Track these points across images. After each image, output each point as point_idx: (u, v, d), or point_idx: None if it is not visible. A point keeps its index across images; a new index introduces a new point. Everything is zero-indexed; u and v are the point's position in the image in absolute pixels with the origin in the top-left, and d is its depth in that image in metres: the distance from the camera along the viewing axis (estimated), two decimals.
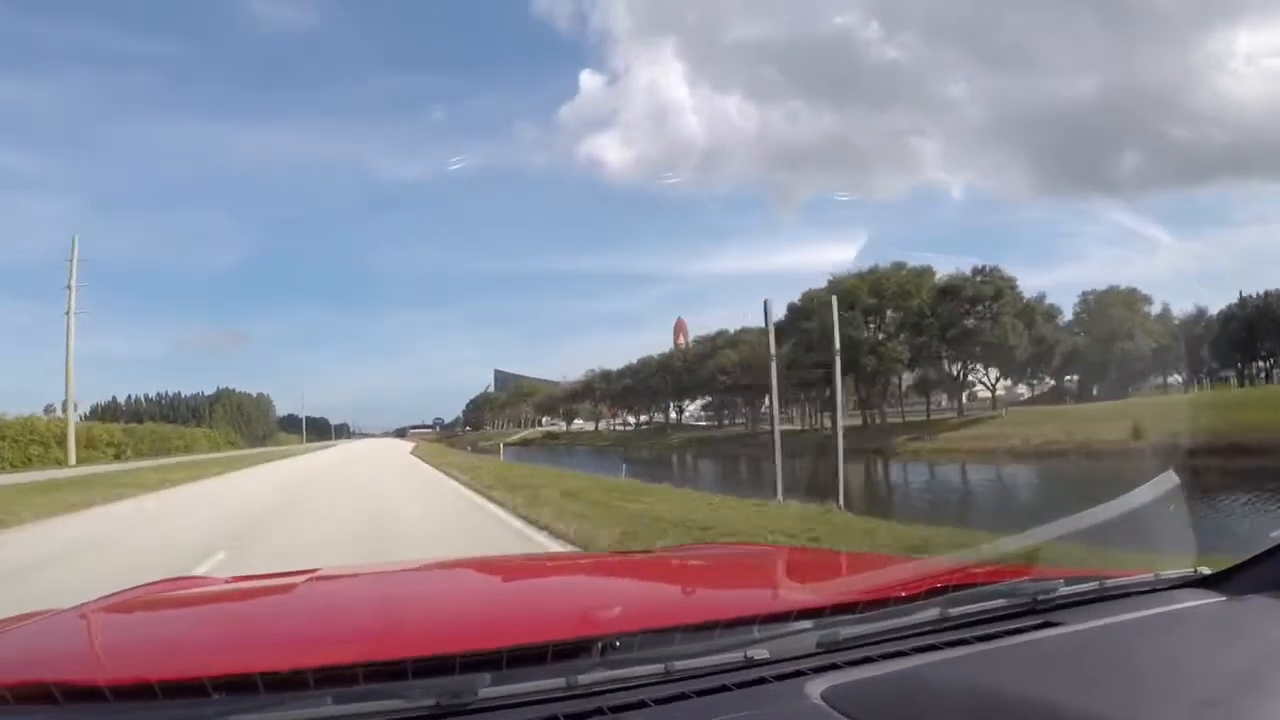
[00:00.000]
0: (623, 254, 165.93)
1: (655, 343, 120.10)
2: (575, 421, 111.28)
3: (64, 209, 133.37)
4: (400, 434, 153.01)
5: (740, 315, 69.70)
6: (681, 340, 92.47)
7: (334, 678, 1.05)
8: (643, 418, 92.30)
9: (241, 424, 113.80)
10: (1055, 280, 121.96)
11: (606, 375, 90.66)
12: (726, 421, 78.55)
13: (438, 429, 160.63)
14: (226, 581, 2.18)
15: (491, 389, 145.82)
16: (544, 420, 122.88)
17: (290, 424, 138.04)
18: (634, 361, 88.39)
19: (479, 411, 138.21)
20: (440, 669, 1.08)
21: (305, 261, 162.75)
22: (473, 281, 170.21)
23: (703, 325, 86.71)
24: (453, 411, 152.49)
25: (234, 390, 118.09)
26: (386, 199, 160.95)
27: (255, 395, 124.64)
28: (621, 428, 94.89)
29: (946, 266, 50.38)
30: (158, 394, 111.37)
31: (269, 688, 1.02)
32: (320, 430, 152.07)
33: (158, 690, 0.99)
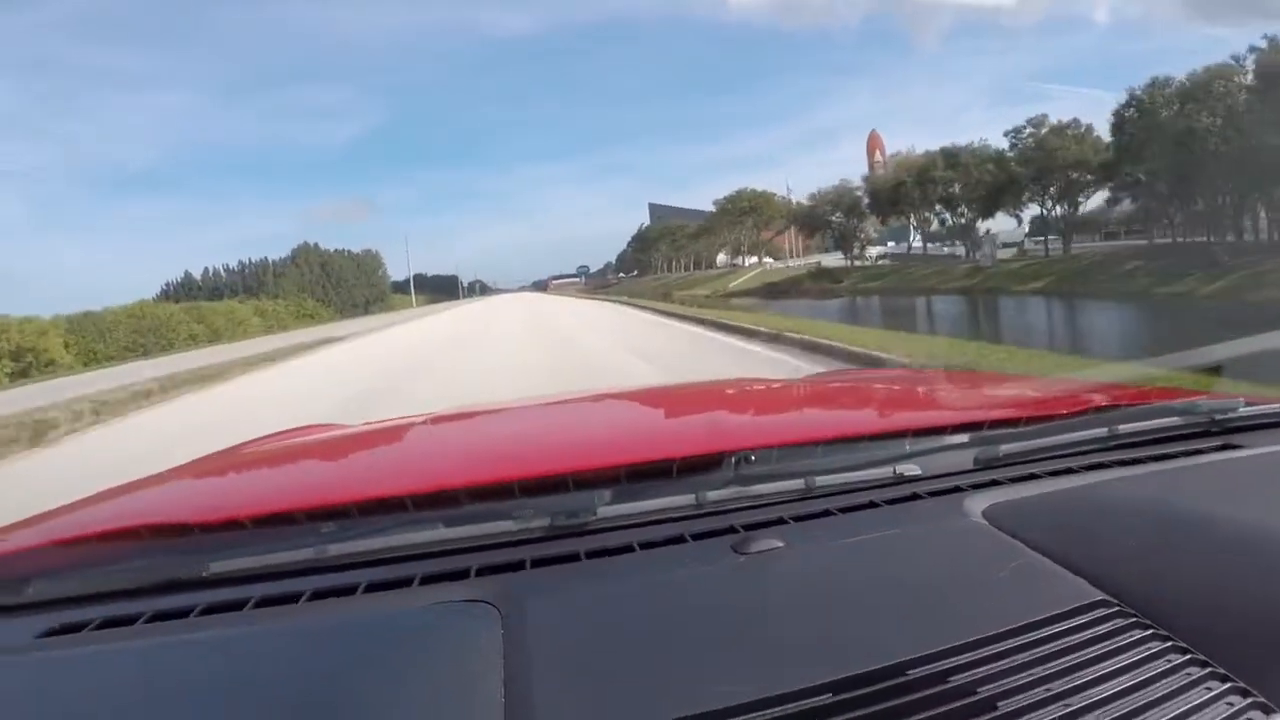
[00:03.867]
0: (749, 95, 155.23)
1: (786, 185, 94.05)
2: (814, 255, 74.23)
3: (183, 100, 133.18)
4: (540, 287, 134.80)
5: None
6: (879, 157, 73.31)
7: (433, 502, 0.99)
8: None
9: (329, 288, 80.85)
10: None
11: (950, 157, 47.21)
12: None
13: (583, 279, 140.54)
14: (357, 426, 1.96)
15: (647, 224, 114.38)
16: (717, 257, 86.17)
17: (417, 285, 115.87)
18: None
19: (646, 251, 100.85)
20: (550, 489, 1.00)
21: (427, 125, 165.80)
22: (596, 131, 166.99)
23: (837, 161, 56.69)
24: (598, 259, 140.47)
25: (317, 247, 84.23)
26: (503, 56, 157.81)
27: (355, 253, 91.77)
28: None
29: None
30: (240, 263, 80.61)
31: (364, 515, 0.98)
32: (446, 289, 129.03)
33: (247, 524, 0.96)
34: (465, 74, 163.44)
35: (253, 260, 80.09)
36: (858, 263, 60.24)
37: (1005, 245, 57.69)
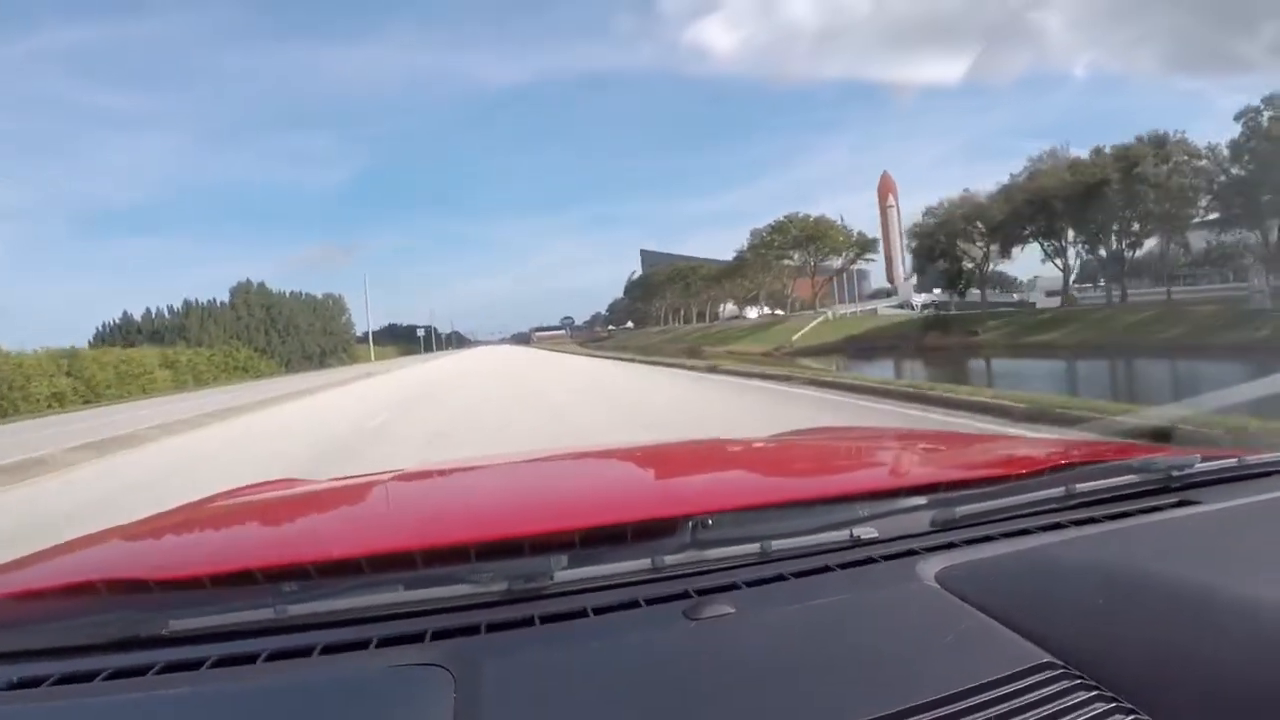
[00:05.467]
0: (734, 149, 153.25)
1: (840, 215, 78.64)
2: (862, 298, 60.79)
3: (174, 143, 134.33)
4: (521, 339, 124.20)
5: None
6: (891, 200, 73.08)
7: (391, 564, 0.99)
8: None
9: (273, 335, 67.23)
10: None
11: (1159, 146, 33.75)
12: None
13: (568, 331, 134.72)
14: (323, 482, 2.01)
15: (638, 274, 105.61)
16: (719, 307, 75.50)
17: (390, 335, 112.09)
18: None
19: (648, 299, 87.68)
20: (507, 552, 1.01)
21: (412, 174, 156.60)
22: (582, 183, 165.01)
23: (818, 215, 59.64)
24: (582, 311, 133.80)
25: (262, 286, 70.63)
26: (491, 107, 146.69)
27: (314, 297, 78.41)
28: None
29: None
30: (185, 302, 66.77)
31: (322, 576, 0.98)
32: (421, 341, 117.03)
33: (206, 582, 0.96)
34: (453, 123, 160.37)
35: (199, 301, 66.21)
36: (928, 308, 47.37)
37: (1049, 294, 45.65)
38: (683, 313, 79.62)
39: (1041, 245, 41.97)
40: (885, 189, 77.96)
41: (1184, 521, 1.16)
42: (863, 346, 40.85)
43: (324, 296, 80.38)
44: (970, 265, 45.24)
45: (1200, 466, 1.28)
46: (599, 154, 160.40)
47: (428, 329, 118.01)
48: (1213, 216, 34.84)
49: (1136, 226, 35.88)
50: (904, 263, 76.45)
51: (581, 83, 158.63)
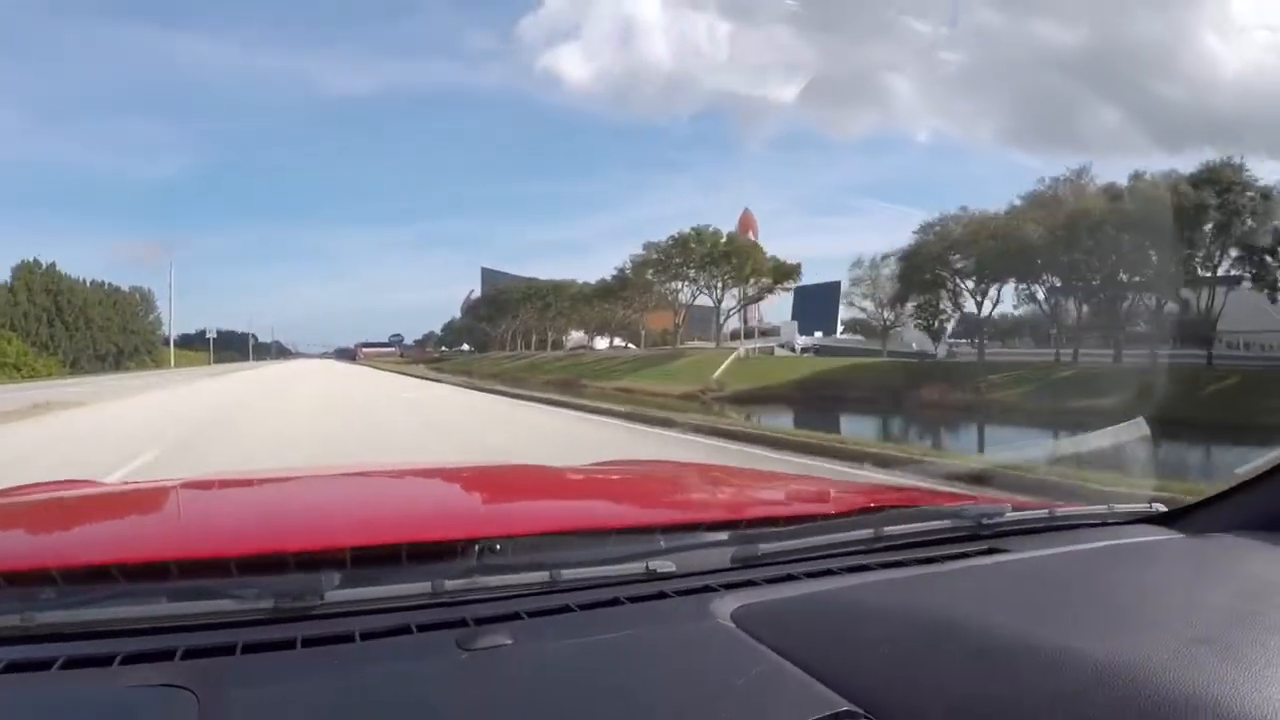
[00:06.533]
0: (575, 180, 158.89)
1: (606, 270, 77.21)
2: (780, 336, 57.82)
3: None
4: (347, 355, 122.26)
5: None
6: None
7: (145, 574, 0.93)
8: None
9: (60, 328, 57.70)
10: None
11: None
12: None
13: (397, 349, 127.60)
14: (107, 486, 1.97)
15: (477, 294, 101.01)
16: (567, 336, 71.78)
17: (204, 340, 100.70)
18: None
19: (494, 320, 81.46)
20: (274, 568, 0.95)
21: (246, 175, 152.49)
22: (421, 200, 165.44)
23: None
24: (411, 330, 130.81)
25: (53, 269, 60.51)
26: (333, 115, 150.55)
27: (118, 289, 68.54)
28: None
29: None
30: None
31: (69, 583, 0.91)
32: (239, 348, 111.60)
33: None
34: (292, 126, 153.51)
35: None
36: (807, 352, 45.15)
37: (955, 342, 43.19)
38: (533, 338, 73.96)
39: (1025, 286, 37.30)
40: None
41: (993, 569, 1.16)
42: (826, 396, 33.76)
43: (130, 290, 70.62)
44: (962, 303, 39.19)
45: (1010, 516, 1.28)
46: (441, 172, 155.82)
47: (220, 332, 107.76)
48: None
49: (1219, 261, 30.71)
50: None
51: (430, 98, 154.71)
